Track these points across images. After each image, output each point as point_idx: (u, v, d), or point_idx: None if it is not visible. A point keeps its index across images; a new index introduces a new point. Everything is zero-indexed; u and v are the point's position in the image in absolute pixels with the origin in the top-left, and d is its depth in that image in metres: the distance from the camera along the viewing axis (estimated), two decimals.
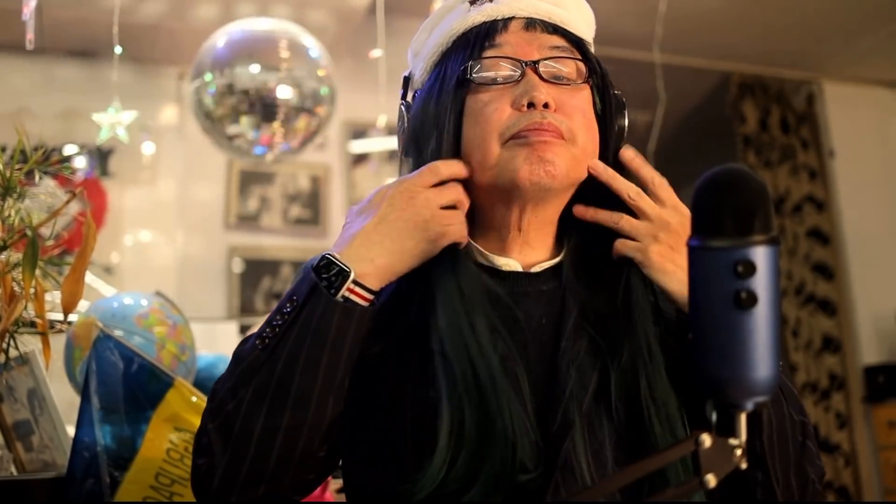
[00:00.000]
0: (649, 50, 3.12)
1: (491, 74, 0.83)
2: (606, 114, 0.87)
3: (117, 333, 1.19)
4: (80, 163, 3.44)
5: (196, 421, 0.96)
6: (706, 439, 0.55)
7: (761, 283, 0.52)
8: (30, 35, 1.34)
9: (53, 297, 1.14)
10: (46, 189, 1.17)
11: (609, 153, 0.86)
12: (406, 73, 0.94)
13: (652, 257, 0.80)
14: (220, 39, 2.12)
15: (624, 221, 0.82)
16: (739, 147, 4.46)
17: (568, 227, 0.89)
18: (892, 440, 4.03)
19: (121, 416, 1.09)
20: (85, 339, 1.27)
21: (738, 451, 0.55)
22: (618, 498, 0.75)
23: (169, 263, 3.62)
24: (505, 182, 0.81)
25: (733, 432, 0.55)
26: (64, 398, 1.23)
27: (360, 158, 3.94)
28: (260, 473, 0.74)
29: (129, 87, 1.78)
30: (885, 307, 4.26)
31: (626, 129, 0.87)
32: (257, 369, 0.75)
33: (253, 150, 2.16)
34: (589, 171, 0.84)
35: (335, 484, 1.43)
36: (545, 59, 0.82)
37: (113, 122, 1.64)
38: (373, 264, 0.76)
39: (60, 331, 1.18)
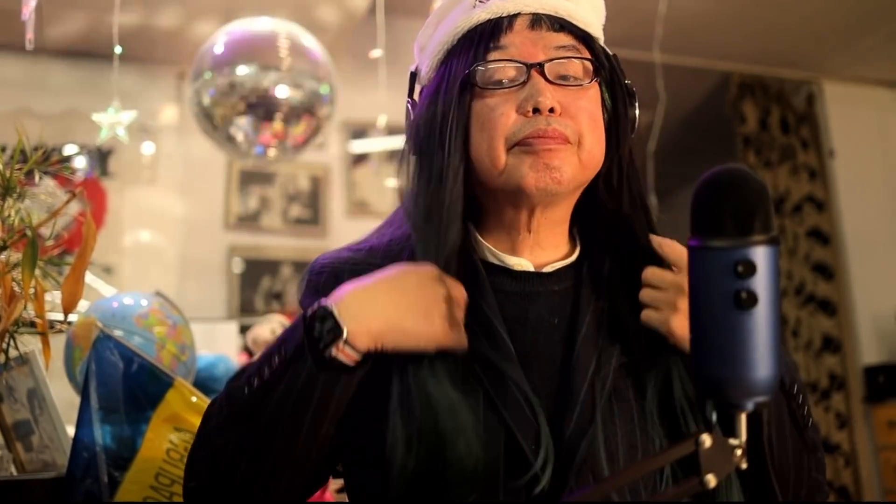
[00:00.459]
0: (649, 50, 3.12)
1: (496, 77, 0.82)
2: (616, 107, 0.86)
3: (117, 333, 1.19)
4: (80, 163, 3.44)
5: (196, 421, 0.96)
6: (706, 439, 0.55)
7: (761, 283, 0.52)
8: (30, 35, 1.34)
9: (53, 297, 1.14)
10: (46, 189, 1.17)
11: (619, 146, 0.86)
12: (412, 69, 0.94)
13: (675, 330, 0.78)
14: (220, 39, 2.12)
15: (644, 294, 0.80)
16: (739, 147, 4.46)
17: (580, 225, 0.89)
18: (892, 440, 4.03)
19: (121, 416, 1.09)
20: (85, 339, 1.27)
21: (738, 452, 0.55)
22: (624, 497, 0.75)
23: (169, 263, 3.63)
24: (512, 188, 0.81)
25: (733, 432, 0.55)
26: (64, 398, 1.23)
27: (360, 158, 3.94)
28: (247, 498, 0.76)
29: (129, 87, 1.78)
30: (885, 307, 4.26)
31: (637, 119, 0.87)
32: (243, 418, 0.75)
33: (253, 150, 2.16)
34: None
35: (335, 484, 1.43)
36: (550, 60, 0.82)
37: (113, 122, 1.64)
38: (367, 326, 0.73)
39: (60, 331, 1.18)
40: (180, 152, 3.65)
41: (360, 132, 3.90)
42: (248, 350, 2.57)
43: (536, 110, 0.80)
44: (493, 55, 0.83)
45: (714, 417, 0.56)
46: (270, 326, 2.45)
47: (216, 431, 0.77)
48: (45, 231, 1.15)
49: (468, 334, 0.77)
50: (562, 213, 0.86)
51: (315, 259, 0.89)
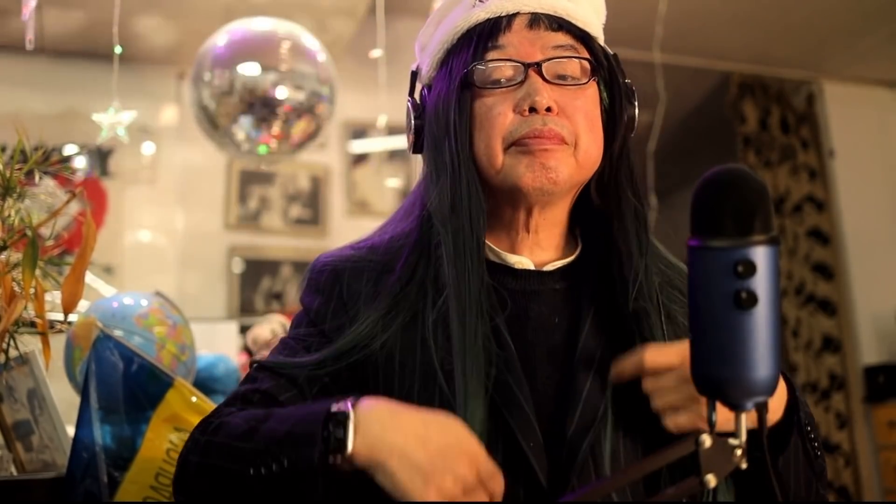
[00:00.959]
0: (649, 50, 3.12)
1: (494, 77, 0.83)
2: (615, 105, 0.87)
3: (117, 333, 1.18)
4: (80, 163, 3.44)
5: (196, 421, 0.96)
6: (706, 439, 0.55)
7: (761, 283, 0.52)
8: (30, 35, 1.34)
9: (53, 297, 1.14)
10: (46, 189, 1.17)
11: (617, 144, 0.86)
12: (413, 68, 0.94)
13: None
14: (220, 39, 2.12)
15: (648, 384, 0.74)
16: (739, 147, 4.45)
17: (580, 225, 0.90)
18: (892, 440, 4.02)
19: (120, 416, 1.09)
20: (85, 339, 1.27)
21: (738, 452, 0.55)
22: (622, 497, 0.75)
23: (169, 263, 3.62)
24: (509, 187, 0.82)
25: (733, 432, 0.55)
26: (64, 398, 1.23)
27: (360, 158, 3.94)
28: None
29: (129, 87, 1.78)
30: (885, 307, 4.26)
31: (636, 118, 0.87)
32: (229, 479, 0.71)
33: (253, 150, 2.16)
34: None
35: None
36: (548, 59, 0.82)
37: (113, 122, 1.64)
38: (371, 450, 0.66)
39: (60, 331, 1.18)
40: (180, 152, 3.64)
41: (360, 132, 3.90)
42: (248, 350, 2.57)
43: (533, 110, 0.80)
44: (491, 55, 0.83)
45: (714, 417, 0.56)
46: (270, 326, 2.45)
47: (200, 469, 0.74)
48: (45, 231, 1.15)
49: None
50: (560, 213, 0.87)
51: (317, 257, 0.90)
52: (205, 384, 1.73)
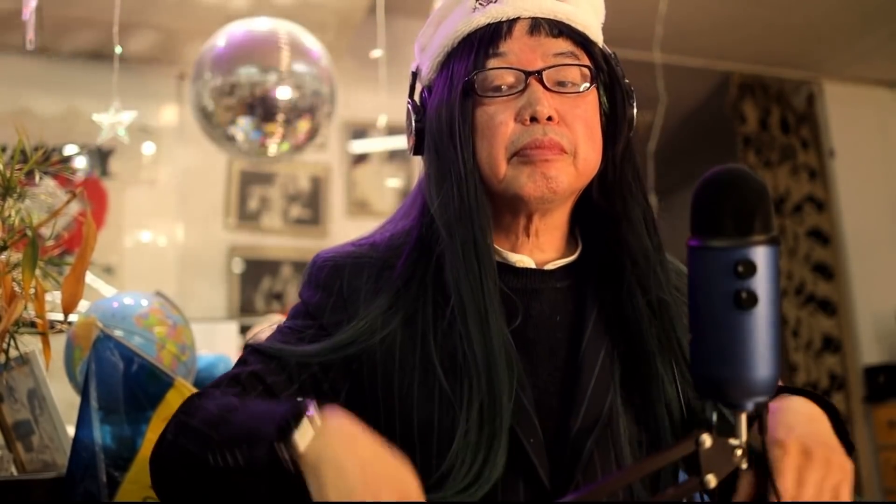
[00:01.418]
0: (649, 50, 3.12)
1: (495, 84, 0.83)
2: (615, 108, 0.87)
3: (117, 333, 1.18)
4: (80, 163, 3.44)
5: None
6: (706, 439, 0.55)
7: (761, 283, 0.52)
8: (30, 35, 1.34)
9: (53, 297, 1.14)
10: (46, 189, 1.17)
11: (619, 146, 0.87)
12: (413, 68, 0.95)
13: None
14: (220, 39, 2.12)
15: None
16: (739, 147, 4.45)
17: (581, 225, 0.90)
18: (892, 440, 4.02)
19: (121, 417, 1.09)
20: (85, 339, 1.27)
21: (738, 451, 0.55)
22: (621, 497, 0.75)
23: (169, 263, 3.62)
24: (511, 195, 0.82)
25: (733, 432, 0.55)
26: (64, 398, 1.23)
27: (360, 158, 3.94)
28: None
29: (129, 87, 1.78)
30: (885, 307, 4.26)
31: (635, 118, 0.88)
32: (195, 462, 0.72)
33: (253, 151, 2.16)
34: None
35: None
36: (549, 67, 0.82)
37: (113, 122, 1.64)
38: (318, 457, 0.63)
39: (60, 331, 1.18)
40: (180, 152, 3.64)
41: (360, 132, 3.89)
42: None
43: (534, 119, 0.81)
44: (492, 62, 0.83)
45: (714, 417, 0.56)
46: (270, 326, 2.44)
47: (173, 447, 0.76)
48: (46, 231, 1.15)
49: None
50: (560, 218, 0.87)
51: (317, 253, 0.90)
52: (205, 384, 1.73)
